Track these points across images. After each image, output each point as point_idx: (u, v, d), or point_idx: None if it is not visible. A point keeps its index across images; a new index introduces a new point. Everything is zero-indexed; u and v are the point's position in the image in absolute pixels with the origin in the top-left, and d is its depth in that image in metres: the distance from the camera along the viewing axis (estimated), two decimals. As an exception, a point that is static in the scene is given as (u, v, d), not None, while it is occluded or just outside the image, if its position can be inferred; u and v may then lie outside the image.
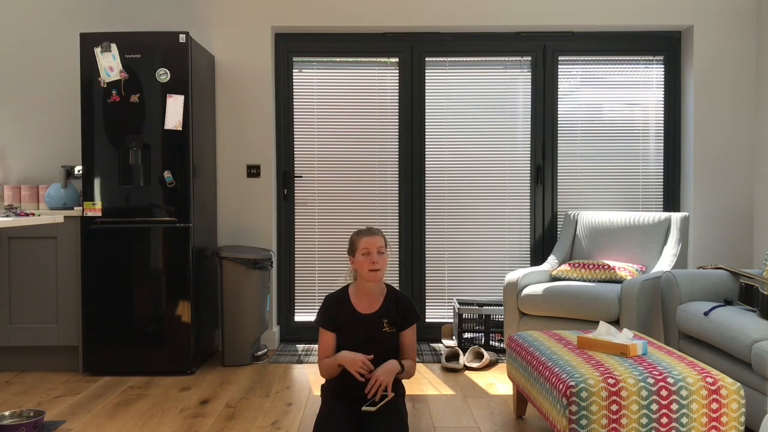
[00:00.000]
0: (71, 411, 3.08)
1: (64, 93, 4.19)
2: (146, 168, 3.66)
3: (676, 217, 3.87)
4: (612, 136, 4.41)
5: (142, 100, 3.63)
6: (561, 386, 2.22)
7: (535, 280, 3.80)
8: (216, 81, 4.24)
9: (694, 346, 3.07)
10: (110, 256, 3.64)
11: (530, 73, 4.40)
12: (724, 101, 4.23)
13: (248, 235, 4.26)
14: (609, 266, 3.75)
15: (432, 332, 4.44)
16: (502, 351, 4.05)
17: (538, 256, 4.40)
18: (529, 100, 4.39)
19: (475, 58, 4.41)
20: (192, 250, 3.68)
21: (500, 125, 4.41)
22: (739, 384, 2.22)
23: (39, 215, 3.30)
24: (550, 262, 4.06)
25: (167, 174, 3.66)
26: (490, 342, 4.12)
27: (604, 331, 2.62)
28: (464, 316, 4.13)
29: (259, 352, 3.99)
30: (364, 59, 4.41)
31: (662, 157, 4.40)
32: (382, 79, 4.41)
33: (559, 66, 4.40)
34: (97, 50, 3.62)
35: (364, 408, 2.39)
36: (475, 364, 3.76)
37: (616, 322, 3.39)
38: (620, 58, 4.40)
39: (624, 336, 2.56)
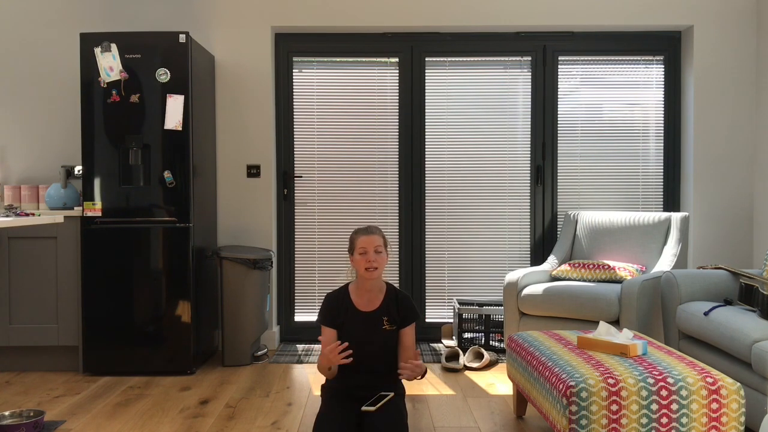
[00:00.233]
0: (71, 411, 3.08)
1: (64, 93, 4.19)
2: (146, 168, 3.66)
3: (676, 217, 3.87)
4: (612, 136, 4.41)
5: (142, 100, 3.63)
6: (561, 386, 2.22)
7: (535, 280, 3.80)
8: (216, 81, 4.24)
9: (694, 346, 3.07)
10: (110, 256, 3.64)
11: (530, 73, 4.40)
12: (724, 101, 4.23)
13: (248, 235, 4.26)
14: (609, 266, 3.75)
15: (432, 332, 4.44)
16: (502, 351, 4.05)
17: (538, 256, 4.40)
18: (529, 100, 4.39)
19: (475, 58, 4.41)
20: (192, 250, 3.68)
21: (500, 125, 4.41)
22: (739, 384, 2.22)
23: (39, 215, 3.30)
24: (550, 262, 4.06)
25: (167, 174, 3.66)
26: (490, 342, 4.12)
27: (604, 331, 2.62)
28: (464, 316, 4.13)
29: (259, 352, 3.99)
30: (364, 59, 4.41)
31: (662, 157, 4.40)
32: (382, 79, 4.41)
33: (559, 66, 4.39)
34: (97, 50, 3.62)
35: (364, 408, 2.39)
36: (475, 364, 3.76)
37: (616, 322, 3.39)
38: (620, 58, 4.40)
39: (624, 336, 2.56)
